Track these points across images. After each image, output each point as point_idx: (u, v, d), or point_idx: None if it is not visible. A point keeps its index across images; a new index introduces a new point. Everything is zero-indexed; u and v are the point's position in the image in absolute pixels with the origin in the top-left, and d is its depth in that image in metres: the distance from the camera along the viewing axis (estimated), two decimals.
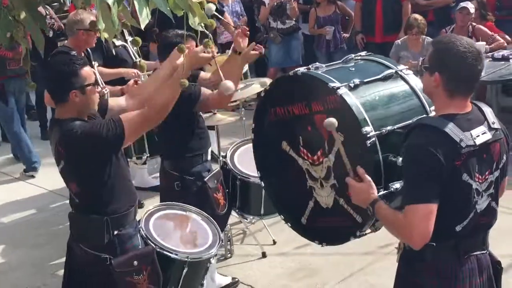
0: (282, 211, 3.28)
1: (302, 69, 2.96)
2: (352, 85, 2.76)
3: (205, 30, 2.84)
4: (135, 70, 5.39)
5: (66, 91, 3.13)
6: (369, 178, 2.61)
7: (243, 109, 5.99)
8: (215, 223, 4.02)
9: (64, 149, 3.13)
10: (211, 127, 5.21)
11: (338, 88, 2.72)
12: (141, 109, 3.17)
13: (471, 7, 7.29)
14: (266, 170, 3.31)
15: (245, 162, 4.68)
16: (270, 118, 3.17)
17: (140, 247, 3.35)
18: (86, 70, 3.18)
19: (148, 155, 5.38)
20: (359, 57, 3.09)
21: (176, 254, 3.60)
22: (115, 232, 3.22)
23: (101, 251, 3.20)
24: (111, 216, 3.20)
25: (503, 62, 6.98)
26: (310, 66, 2.98)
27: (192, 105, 4.05)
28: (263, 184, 3.38)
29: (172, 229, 3.82)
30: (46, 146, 8.04)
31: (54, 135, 3.18)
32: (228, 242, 5.03)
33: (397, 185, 2.63)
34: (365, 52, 3.24)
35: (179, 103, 3.98)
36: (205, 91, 4.13)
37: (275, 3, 8.46)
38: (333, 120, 2.61)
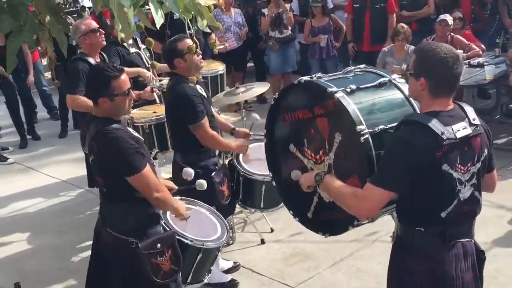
0: (291, 207, 3.28)
1: (305, 78, 2.96)
2: (348, 90, 2.76)
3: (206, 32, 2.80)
4: (150, 73, 5.38)
5: (95, 97, 3.17)
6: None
7: (243, 110, 5.98)
8: (223, 217, 4.04)
9: (96, 146, 3.17)
10: None
11: (336, 92, 2.73)
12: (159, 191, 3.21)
13: (450, 19, 7.28)
14: (277, 170, 3.31)
15: (248, 160, 4.69)
16: (279, 124, 3.20)
17: (161, 232, 3.37)
18: (119, 81, 3.15)
19: (158, 150, 5.36)
20: (358, 69, 3.09)
21: (192, 241, 3.62)
22: (142, 217, 3.25)
23: (128, 235, 3.21)
24: (138, 204, 3.22)
25: (478, 69, 6.99)
26: (312, 75, 2.98)
27: (197, 119, 4.10)
28: (274, 183, 3.38)
29: (188, 220, 3.83)
30: (65, 143, 8.12)
31: (90, 130, 3.21)
32: (231, 230, 5.03)
33: None
34: (363, 65, 3.23)
35: (187, 110, 4.04)
36: (206, 124, 4.17)
37: (274, 14, 8.46)
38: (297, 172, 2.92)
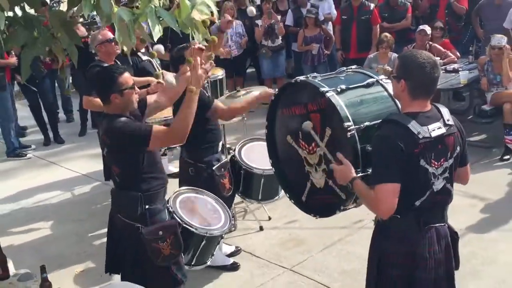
0: (288, 190, 3.29)
1: (301, 78, 2.97)
2: (339, 89, 2.77)
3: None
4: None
5: (107, 95, 3.16)
6: (347, 161, 2.64)
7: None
8: (227, 207, 4.05)
9: (108, 139, 3.17)
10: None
11: (327, 91, 2.74)
12: (170, 128, 3.15)
13: (428, 29, 7.30)
14: (276, 158, 3.33)
15: (249, 156, 4.70)
16: (278, 117, 3.21)
17: (166, 220, 3.37)
18: (124, 77, 3.18)
19: (166, 148, 5.36)
20: (350, 70, 3.10)
21: (196, 229, 3.63)
22: (147, 207, 3.24)
23: (135, 221, 3.22)
24: (144, 194, 3.22)
25: (453, 74, 7.00)
26: (308, 75, 2.98)
27: (205, 111, 4.04)
28: (273, 169, 3.39)
29: (194, 209, 3.84)
30: (84, 140, 8.13)
31: (102, 126, 3.22)
32: (232, 218, 5.04)
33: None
34: (355, 66, 3.24)
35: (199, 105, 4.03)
36: (218, 103, 4.16)
37: (266, 25, 8.49)
38: (308, 122, 2.74)
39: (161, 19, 2.48)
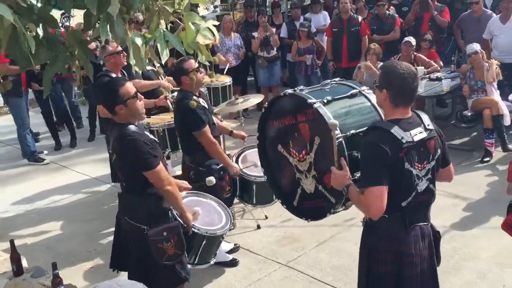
0: (280, 196, 3.28)
1: (290, 91, 2.97)
2: (325, 100, 2.77)
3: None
4: (166, 83, 5.39)
5: (112, 107, 3.16)
6: (347, 168, 2.62)
7: (242, 117, 5.99)
8: (228, 209, 4.02)
9: (118, 147, 3.17)
10: None
11: (314, 103, 2.74)
12: (165, 184, 3.19)
13: (413, 40, 7.31)
14: (268, 166, 3.31)
15: (245, 163, 4.71)
16: (269, 128, 3.19)
17: (170, 221, 3.35)
18: (125, 88, 3.16)
19: (170, 150, 5.36)
20: (333, 82, 3.10)
21: (198, 230, 3.62)
22: (152, 210, 3.23)
23: (140, 223, 3.21)
24: (149, 198, 3.21)
25: (437, 82, 6.99)
26: (296, 88, 2.98)
27: (200, 126, 4.09)
28: (266, 177, 3.37)
29: (196, 211, 3.80)
30: (93, 145, 8.11)
31: (113, 134, 3.21)
32: (232, 217, 5.02)
33: (359, 174, 2.63)
34: (338, 78, 3.24)
35: (191, 120, 4.04)
36: (207, 132, 4.14)
37: (262, 37, 8.50)
38: (335, 121, 2.64)
39: (168, 42, 2.53)
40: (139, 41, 2.43)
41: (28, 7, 2.23)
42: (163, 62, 2.57)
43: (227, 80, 6.54)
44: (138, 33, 2.51)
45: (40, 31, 2.36)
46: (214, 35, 2.64)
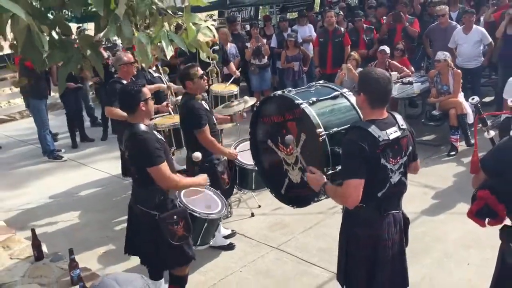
0: (269, 185, 3.27)
1: (279, 92, 2.96)
2: (311, 101, 2.76)
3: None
4: (165, 86, 5.43)
5: (135, 104, 3.17)
6: (318, 171, 2.63)
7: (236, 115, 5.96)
8: (223, 196, 4.03)
9: (130, 145, 3.17)
10: None
11: (301, 103, 2.73)
12: (168, 179, 3.14)
13: (387, 49, 7.33)
14: (258, 159, 3.30)
15: (241, 154, 4.68)
16: (260, 125, 3.18)
17: (178, 207, 3.36)
18: (146, 89, 3.26)
19: (175, 148, 5.34)
20: (318, 84, 3.09)
21: (199, 214, 3.63)
22: (162, 198, 3.23)
23: (152, 209, 3.21)
24: (157, 191, 3.21)
25: (408, 85, 7.01)
26: (284, 90, 2.97)
27: (201, 126, 4.06)
28: (256, 168, 3.37)
29: (197, 199, 3.83)
30: (105, 144, 8.06)
31: (126, 133, 3.21)
32: (229, 206, 5.02)
33: (340, 167, 2.63)
34: (322, 81, 3.23)
35: (194, 120, 4.02)
36: (206, 132, 4.10)
37: (254, 47, 8.47)
38: (290, 136, 2.72)
39: (172, 41, 2.49)
40: (144, 39, 2.39)
41: (43, 11, 2.22)
42: (168, 57, 2.53)
43: (234, 89, 6.42)
44: (144, 33, 2.46)
45: (55, 35, 2.35)
46: (213, 34, 2.61)
